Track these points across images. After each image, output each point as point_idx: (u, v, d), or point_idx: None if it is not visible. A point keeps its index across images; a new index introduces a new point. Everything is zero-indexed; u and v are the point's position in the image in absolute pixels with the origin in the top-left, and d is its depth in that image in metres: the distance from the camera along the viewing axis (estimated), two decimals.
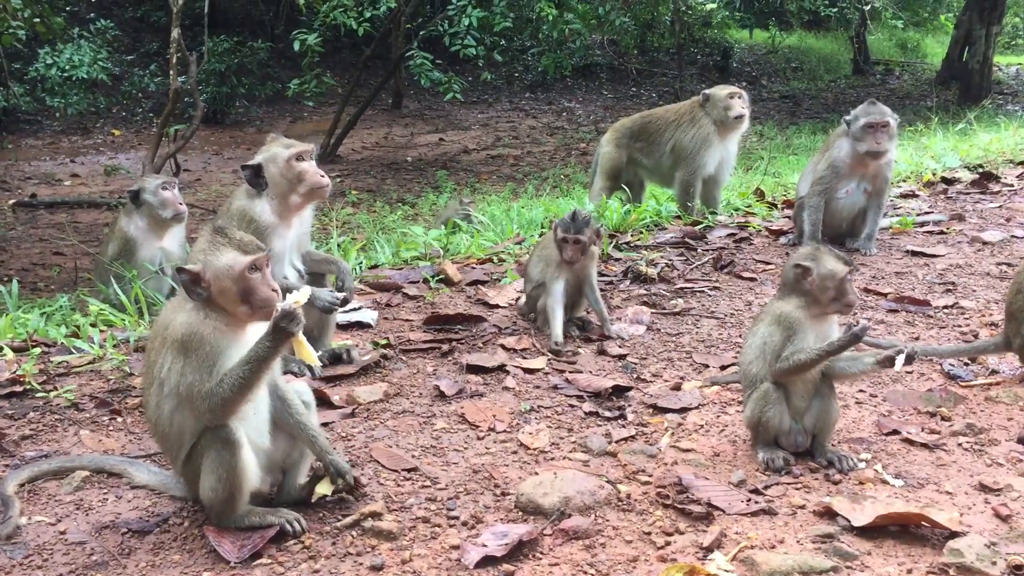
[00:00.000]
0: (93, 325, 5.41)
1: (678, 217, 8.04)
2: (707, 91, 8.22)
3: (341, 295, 4.78)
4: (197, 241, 3.26)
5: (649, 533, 3.22)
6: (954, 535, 3.13)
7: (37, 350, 4.96)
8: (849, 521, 3.22)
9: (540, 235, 7.47)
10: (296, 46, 15.26)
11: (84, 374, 4.73)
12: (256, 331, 3.19)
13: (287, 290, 3.26)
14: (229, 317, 3.16)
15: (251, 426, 3.24)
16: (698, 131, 8.11)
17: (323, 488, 3.37)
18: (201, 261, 3.13)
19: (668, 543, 3.15)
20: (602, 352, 5.02)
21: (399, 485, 3.58)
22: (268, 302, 3.14)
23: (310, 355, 3.23)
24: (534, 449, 3.88)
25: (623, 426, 4.13)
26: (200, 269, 3.11)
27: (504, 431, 4.06)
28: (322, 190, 4.72)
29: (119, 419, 4.23)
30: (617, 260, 6.65)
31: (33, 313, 5.91)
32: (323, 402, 4.26)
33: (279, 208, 4.65)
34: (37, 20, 12.78)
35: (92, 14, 21.21)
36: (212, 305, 3.13)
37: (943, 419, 4.12)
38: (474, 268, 6.51)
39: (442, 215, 10.36)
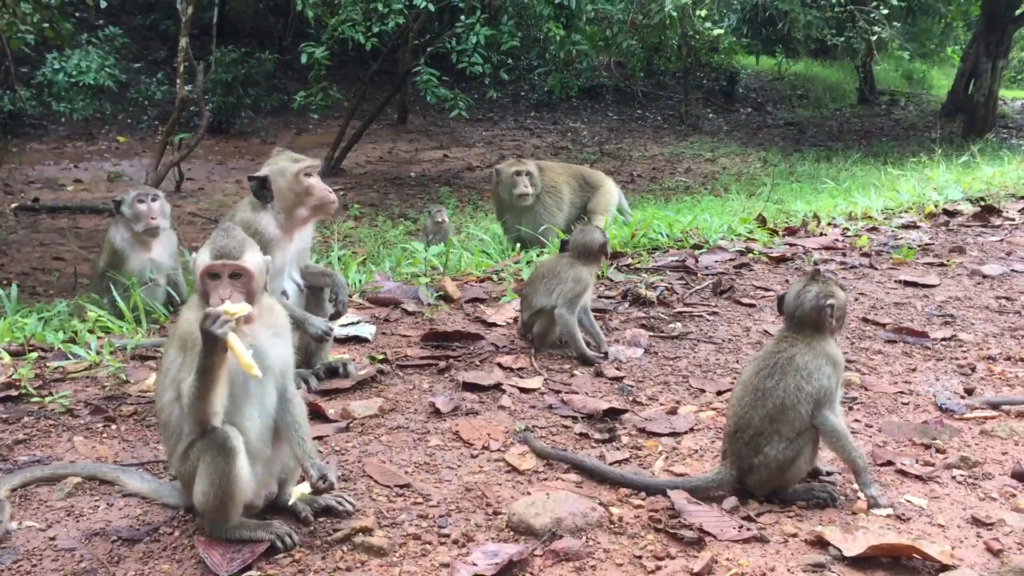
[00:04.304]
0: (91, 331, 5.42)
1: (679, 240, 8.05)
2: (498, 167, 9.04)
3: (333, 324, 4.81)
4: (240, 233, 3.26)
5: (640, 557, 3.21)
6: (945, 568, 3.12)
7: (34, 355, 4.96)
8: (841, 551, 3.20)
9: (538, 255, 7.49)
10: (304, 59, 15.31)
11: (80, 380, 4.73)
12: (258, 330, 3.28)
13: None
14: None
15: (254, 431, 3.24)
16: None
17: (301, 488, 3.34)
18: (249, 260, 3.19)
19: (659, 568, 3.14)
20: (599, 374, 5.02)
21: (391, 501, 3.57)
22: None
23: (248, 364, 3.06)
24: (526, 469, 3.87)
25: (617, 448, 4.13)
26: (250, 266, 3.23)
27: (498, 450, 4.05)
28: (329, 206, 4.73)
29: (113, 426, 4.23)
30: (617, 282, 6.66)
31: (31, 317, 5.92)
32: (318, 416, 4.26)
33: (284, 221, 4.65)
34: (46, 25, 12.83)
35: (101, 21, 21.29)
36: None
37: (937, 451, 4.12)
38: (473, 286, 6.52)
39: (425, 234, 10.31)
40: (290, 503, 3.38)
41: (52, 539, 3.27)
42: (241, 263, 3.16)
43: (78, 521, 3.40)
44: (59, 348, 5.11)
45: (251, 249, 3.24)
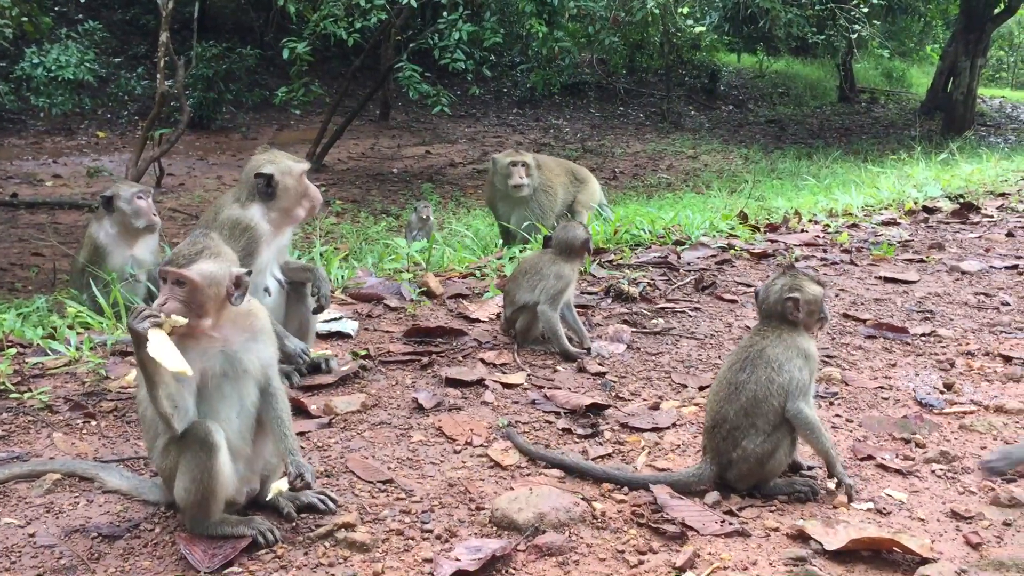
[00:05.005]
0: (70, 327, 5.38)
1: (661, 236, 8.07)
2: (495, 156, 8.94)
3: (310, 347, 4.82)
4: (206, 243, 3.20)
5: (623, 551, 3.22)
6: (925, 561, 3.14)
7: (12, 351, 4.92)
8: (822, 545, 3.22)
9: (521, 251, 7.49)
10: (285, 54, 15.25)
11: (59, 376, 4.70)
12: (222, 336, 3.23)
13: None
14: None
15: (233, 431, 3.22)
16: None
17: (280, 485, 3.33)
18: (196, 271, 3.11)
19: (641, 562, 3.15)
20: (582, 370, 5.02)
21: (374, 497, 3.56)
22: None
23: (157, 362, 2.97)
24: (509, 464, 3.87)
25: (600, 443, 4.13)
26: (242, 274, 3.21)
27: (481, 445, 4.05)
28: (317, 208, 4.82)
29: (93, 422, 4.20)
30: (599, 278, 6.67)
31: (9, 313, 5.87)
32: (300, 411, 4.24)
33: (276, 219, 4.66)
34: (25, 19, 12.73)
35: (80, 15, 21.16)
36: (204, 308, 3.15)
37: (917, 446, 4.14)
38: (456, 282, 6.52)
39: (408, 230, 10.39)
40: (268, 498, 3.37)
41: (31, 536, 3.25)
42: (183, 272, 3.09)
43: (58, 518, 3.38)
44: (38, 344, 5.07)
45: (206, 261, 3.13)
